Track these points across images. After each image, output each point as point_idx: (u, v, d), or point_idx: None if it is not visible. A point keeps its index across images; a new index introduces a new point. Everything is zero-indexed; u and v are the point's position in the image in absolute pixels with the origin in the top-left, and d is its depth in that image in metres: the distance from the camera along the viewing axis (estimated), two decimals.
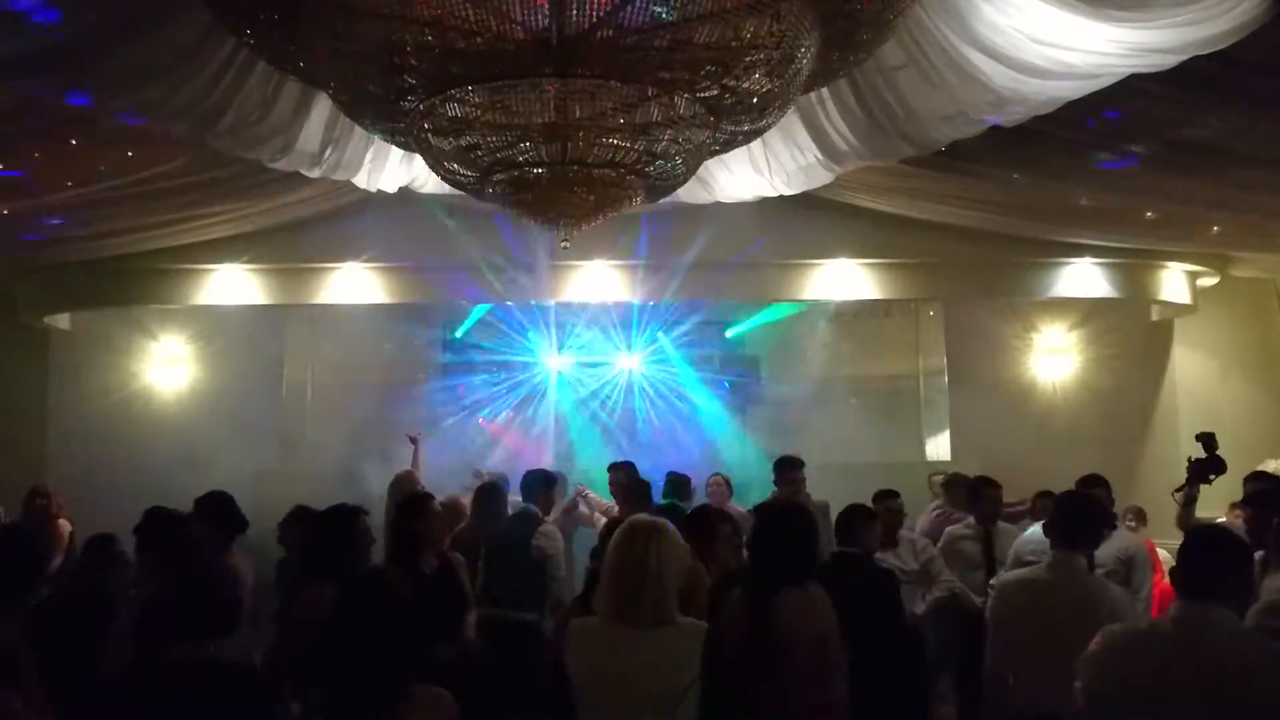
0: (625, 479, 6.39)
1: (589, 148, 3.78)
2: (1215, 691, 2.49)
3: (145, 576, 4.06)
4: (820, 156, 5.81)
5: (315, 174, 5.92)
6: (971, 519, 6.00)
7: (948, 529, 6.08)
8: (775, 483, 6.32)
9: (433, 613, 4.03)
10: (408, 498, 4.91)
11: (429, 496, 4.92)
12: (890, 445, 9.23)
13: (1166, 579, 7.08)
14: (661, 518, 3.12)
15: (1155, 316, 9.40)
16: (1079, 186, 6.61)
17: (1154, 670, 2.58)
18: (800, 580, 3.17)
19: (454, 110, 3.67)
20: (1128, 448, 8.84)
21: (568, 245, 4.61)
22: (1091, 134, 5.40)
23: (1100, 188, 6.57)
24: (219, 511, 4.80)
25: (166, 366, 9.30)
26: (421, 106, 3.70)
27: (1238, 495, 7.61)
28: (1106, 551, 5.16)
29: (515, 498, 6.02)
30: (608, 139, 3.78)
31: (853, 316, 9.45)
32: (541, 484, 5.80)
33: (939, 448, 9.44)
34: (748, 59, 3.49)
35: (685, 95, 3.65)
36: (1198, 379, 9.42)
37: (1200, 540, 2.77)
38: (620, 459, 7.17)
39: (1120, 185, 6.43)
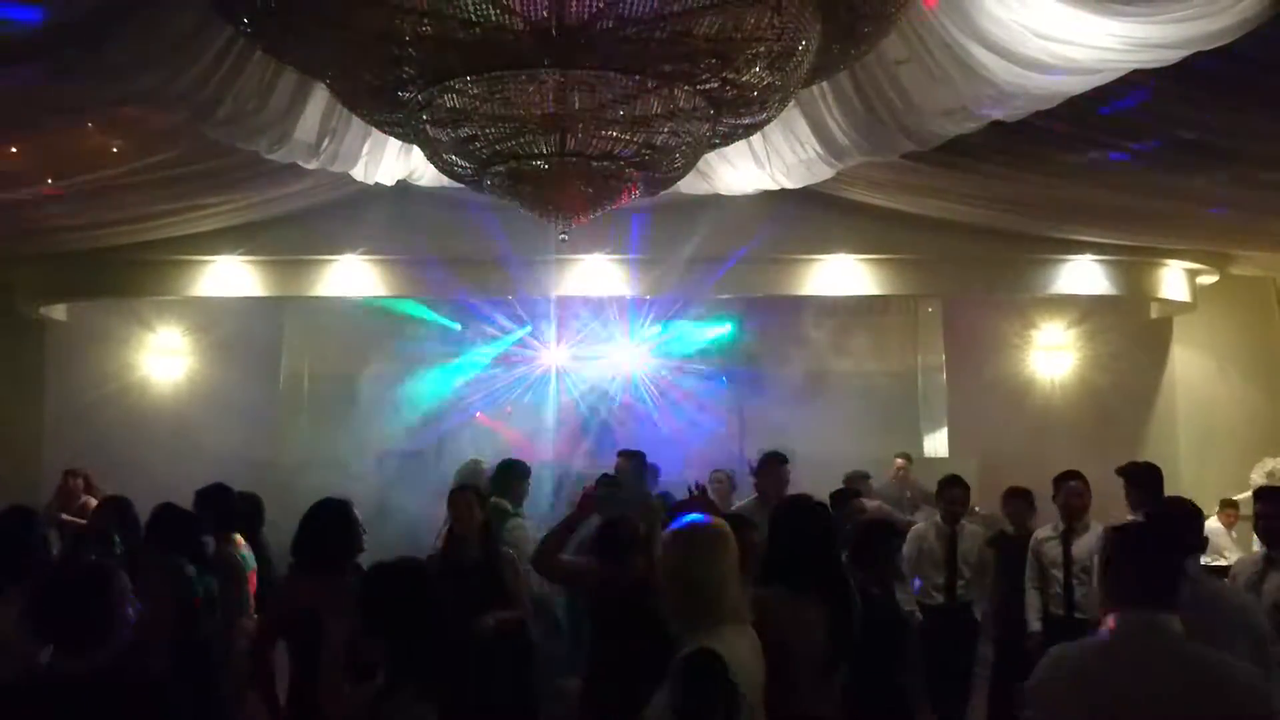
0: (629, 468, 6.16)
1: (588, 140, 3.76)
2: (1169, 711, 2.25)
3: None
4: (821, 150, 5.80)
5: (313, 165, 5.90)
6: (937, 516, 6.00)
7: (913, 528, 6.07)
8: (758, 476, 6.20)
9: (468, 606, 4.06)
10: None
11: (458, 489, 4.82)
12: (888, 441, 9.22)
13: None
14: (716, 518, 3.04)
15: (1154, 314, 9.40)
16: (1079, 183, 6.59)
17: (1099, 690, 2.31)
18: (787, 580, 3.11)
19: (452, 101, 3.64)
20: (1126, 445, 8.82)
21: (566, 238, 4.59)
22: (1093, 130, 5.38)
23: (1101, 184, 6.56)
24: (217, 504, 4.81)
25: (163, 358, 9.29)
26: (420, 97, 3.68)
27: (1226, 494, 7.69)
28: (1087, 547, 5.23)
29: None
30: (607, 131, 3.75)
31: (851, 312, 9.44)
32: (515, 474, 5.62)
33: (937, 444, 9.44)
34: (748, 52, 3.47)
35: (685, 88, 3.62)
36: (1196, 377, 9.43)
37: (1135, 541, 2.49)
38: (619, 451, 7.05)
39: (1120, 182, 6.42)
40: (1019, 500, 5.99)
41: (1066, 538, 5.37)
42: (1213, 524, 7.63)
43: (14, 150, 5.69)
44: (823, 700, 3.07)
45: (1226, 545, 7.47)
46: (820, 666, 3.07)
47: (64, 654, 2.31)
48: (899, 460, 8.15)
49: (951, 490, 5.92)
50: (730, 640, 2.60)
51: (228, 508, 4.89)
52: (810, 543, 3.22)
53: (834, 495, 5.69)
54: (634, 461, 6.33)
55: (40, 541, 3.82)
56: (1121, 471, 5.16)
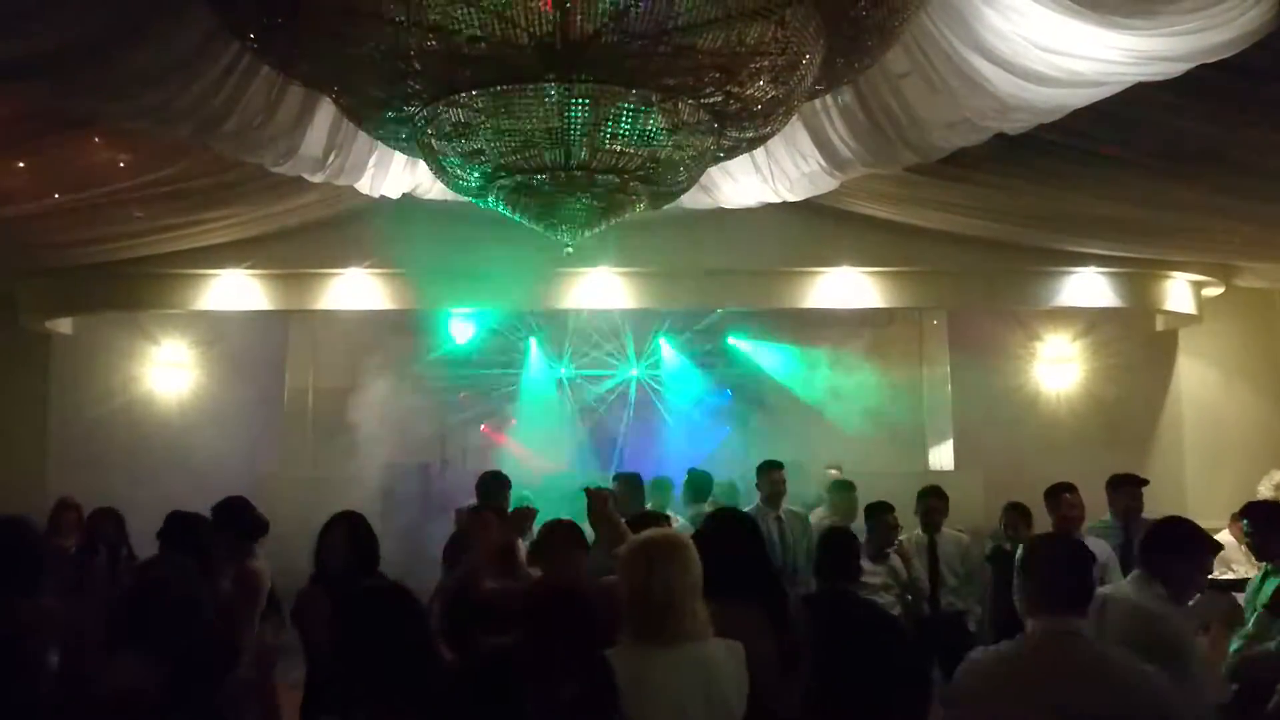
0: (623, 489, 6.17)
1: (592, 153, 3.77)
2: (1080, 712, 2.35)
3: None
4: (824, 163, 5.80)
5: (318, 179, 5.91)
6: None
7: (900, 539, 6.07)
8: (756, 485, 6.31)
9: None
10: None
11: (473, 508, 4.78)
12: (893, 454, 9.20)
13: None
14: (668, 529, 3.02)
15: (1160, 326, 9.38)
16: (1084, 195, 6.59)
17: (1014, 692, 2.43)
18: (722, 588, 3.01)
19: (457, 115, 3.66)
20: (1131, 458, 8.77)
21: (571, 251, 4.60)
22: (1097, 141, 5.38)
23: (1105, 197, 6.55)
24: (237, 515, 4.80)
25: (168, 371, 9.30)
26: (425, 111, 3.69)
27: (1233, 507, 7.64)
28: None
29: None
30: (611, 145, 3.77)
31: (856, 325, 9.43)
32: (500, 486, 5.56)
33: (942, 457, 9.41)
34: (752, 65, 3.48)
35: (689, 101, 3.64)
36: (1202, 389, 9.40)
37: (1059, 550, 2.66)
38: (622, 468, 7.08)
39: (1125, 194, 6.41)
40: (1016, 514, 5.98)
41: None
42: (1224, 537, 7.57)
43: (20, 165, 5.71)
44: (783, 701, 3.05)
45: (1237, 558, 7.42)
46: (776, 668, 3.05)
47: (141, 662, 2.32)
48: (832, 471, 8.04)
49: (927, 500, 6.03)
50: (660, 658, 2.55)
51: (248, 520, 4.85)
52: (739, 550, 3.20)
53: (869, 507, 5.74)
54: (627, 484, 6.32)
55: (45, 554, 3.80)
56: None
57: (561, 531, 3.91)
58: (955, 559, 5.97)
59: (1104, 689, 2.37)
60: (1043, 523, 5.76)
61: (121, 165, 5.78)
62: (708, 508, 6.27)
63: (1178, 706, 2.43)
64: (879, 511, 5.70)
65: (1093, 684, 2.37)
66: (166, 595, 2.48)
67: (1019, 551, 2.77)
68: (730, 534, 3.28)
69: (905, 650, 3.74)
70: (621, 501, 5.80)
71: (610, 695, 2.36)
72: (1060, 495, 5.48)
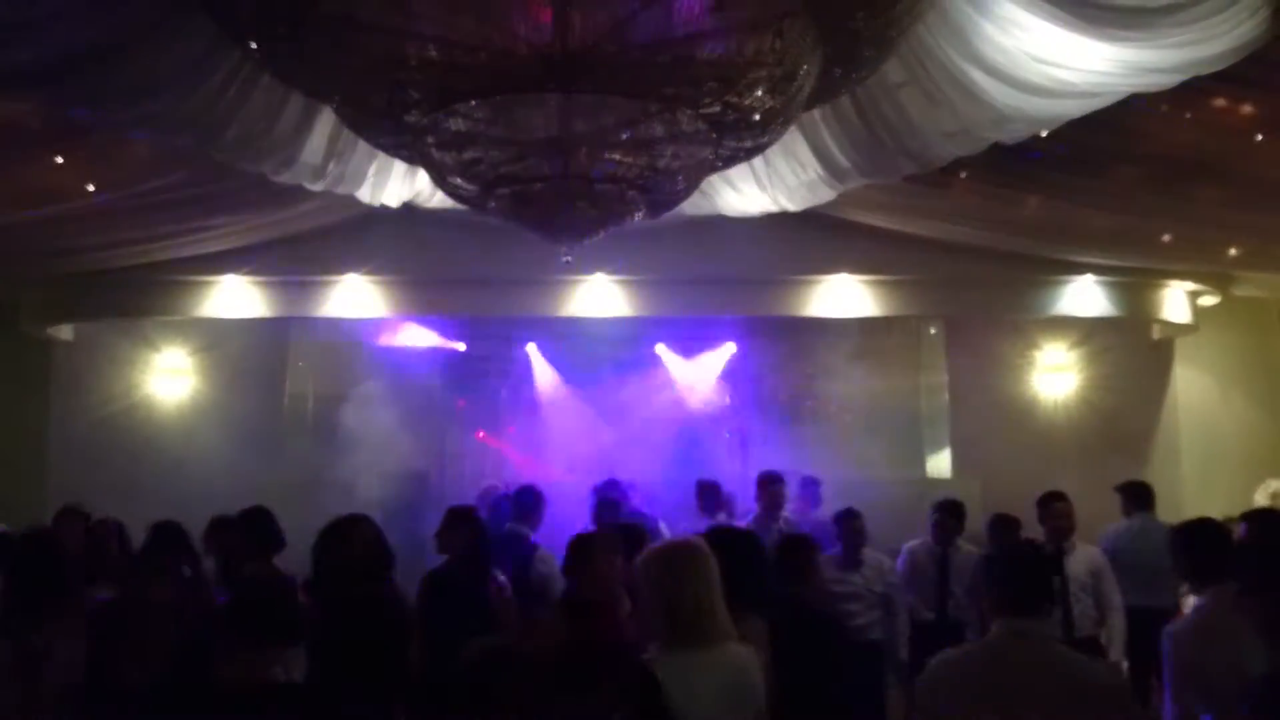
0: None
1: (591, 162, 3.80)
2: (1043, 706, 2.48)
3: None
4: (822, 173, 5.83)
5: (318, 187, 5.93)
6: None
7: (906, 546, 6.07)
8: (756, 497, 6.29)
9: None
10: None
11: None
12: (891, 462, 9.21)
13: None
14: (696, 538, 3.02)
15: (1156, 335, 9.40)
16: (1081, 204, 6.62)
17: (981, 687, 2.58)
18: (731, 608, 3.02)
19: (457, 124, 3.68)
20: (1128, 467, 8.80)
21: (570, 260, 4.63)
22: (1094, 151, 5.42)
23: (1102, 206, 6.59)
24: (261, 525, 4.83)
25: (168, 378, 9.30)
26: (425, 120, 3.72)
27: (1230, 516, 7.65)
28: (1084, 564, 5.36)
29: None
30: (610, 154, 3.80)
31: (853, 333, 9.45)
32: (535, 501, 5.63)
33: (939, 465, 9.43)
34: (750, 76, 3.51)
35: (688, 111, 3.66)
36: (1199, 398, 9.41)
37: (1021, 556, 2.84)
38: (617, 476, 7.05)
39: (1122, 204, 6.44)
40: (1003, 528, 5.93)
41: (1058, 557, 5.41)
42: None
43: (20, 171, 5.74)
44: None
45: None
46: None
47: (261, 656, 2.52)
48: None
49: (935, 514, 6.01)
50: (696, 662, 2.59)
51: (269, 530, 4.88)
52: (742, 565, 3.23)
53: (837, 515, 5.74)
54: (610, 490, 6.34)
55: (66, 567, 3.81)
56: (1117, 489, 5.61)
57: (599, 541, 3.93)
58: (968, 573, 5.83)
59: (1061, 685, 2.51)
60: (1033, 531, 5.77)
61: (122, 173, 5.81)
62: (723, 517, 6.26)
63: (1132, 702, 2.62)
64: (846, 518, 5.68)
65: (1051, 680, 2.52)
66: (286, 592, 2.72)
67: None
68: (737, 550, 3.29)
69: (848, 656, 3.74)
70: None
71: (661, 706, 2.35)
72: (1051, 504, 5.52)
